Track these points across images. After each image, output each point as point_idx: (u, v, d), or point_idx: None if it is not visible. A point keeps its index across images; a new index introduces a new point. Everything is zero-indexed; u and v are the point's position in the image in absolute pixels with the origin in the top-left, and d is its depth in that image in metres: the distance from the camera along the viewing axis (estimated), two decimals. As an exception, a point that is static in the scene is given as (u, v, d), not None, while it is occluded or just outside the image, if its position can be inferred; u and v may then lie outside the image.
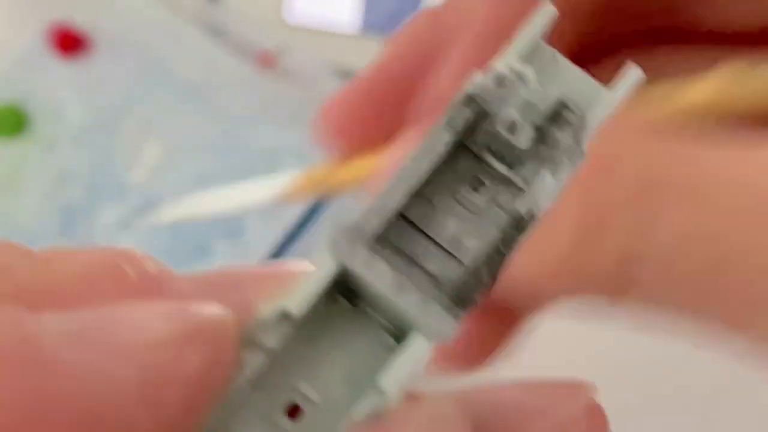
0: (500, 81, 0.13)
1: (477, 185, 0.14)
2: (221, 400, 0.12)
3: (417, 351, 0.13)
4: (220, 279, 0.13)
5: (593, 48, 0.20)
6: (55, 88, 0.47)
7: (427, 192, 0.13)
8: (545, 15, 0.14)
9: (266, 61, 0.48)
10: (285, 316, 0.13)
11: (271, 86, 0.47)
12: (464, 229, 0.14)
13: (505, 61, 0.13)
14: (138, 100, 0.47)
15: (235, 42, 0.48)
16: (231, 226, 0.45)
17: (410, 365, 0.13)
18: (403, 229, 0.13)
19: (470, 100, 0.13)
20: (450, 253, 0.13)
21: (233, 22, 0.48)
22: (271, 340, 0.13)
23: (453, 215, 0.14)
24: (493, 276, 0.13)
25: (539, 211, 0.13)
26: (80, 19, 0.48)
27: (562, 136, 0.13)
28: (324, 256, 0.13)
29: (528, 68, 0.13)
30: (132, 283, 0.12)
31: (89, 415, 0.11)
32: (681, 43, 0.21)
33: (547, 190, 0.13)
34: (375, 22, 0.52)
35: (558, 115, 0.13)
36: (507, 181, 0.14)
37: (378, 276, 0.13)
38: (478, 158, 0.14)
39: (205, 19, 0.49)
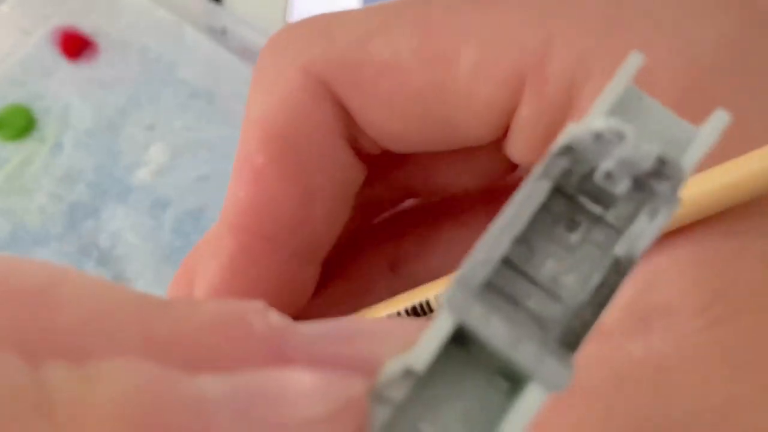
0: (598, 137, 0.13)
1: (572, 226, 0.14)
2: None
3: (534, 401, 0.13)
4: (344, 330, 0.13)
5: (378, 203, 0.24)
6: (62, 90, 0.48)
7: (526, 236, 0.14)
8: (634, 63, 0.14)
9: (269, 62, 0.48)
10: (409, 372, 0.13)
11: (274, 88, 0.47)
12: (562, 268, 0.14)
13: (601, 115, 0.13)
14: (143, 101, 0.48)
15: (239, 43, 0.48)
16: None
17: (528, 415, 0.13)
18: (505, 272, 0.14)
19: (567, 150, 0.13)
20: (550, 292, 0.14)
21: (236, 23, 0.49)
22: (397, 395, 0.13)
23: (550, 256, 0.14)
24: (597, 316, 0.13)
25: (636, 254, 0.13)
26: (86, 23, 0.49)
27: (659, 187, 0.13)
28: (443, 311, 0.13)
29: (626, 126, 0.13)
30: (260, 337, 0.12)
31: None
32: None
33: (643, 234, 0.13)
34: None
35: (656, 170, 0.13)
36: (601, 221, 0.14)
37: (493, 331, 0.13)
38: (573, 200, 0.14)
39: (208, 21, 0.49)
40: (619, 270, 0.13)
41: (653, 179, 0.13)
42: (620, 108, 0.14)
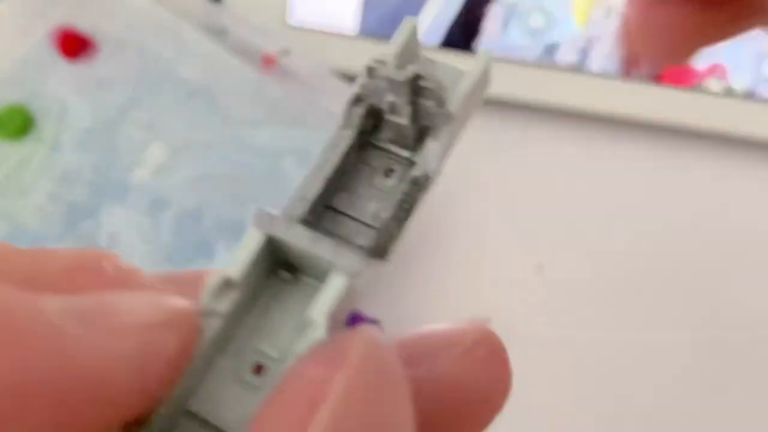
0: (369, 71, 0.16)
1: (389, 173, 0.17)
2: (192, 366, 0.15)
3: (335, 285, 0.15)
4: (175, 278, 0.16)
5: None
6: (60, 89, 0.48)
7: (349, 186, 0.17)
8: (410, 24, 0.17)
9: (268, 62, 0.48)
10: (227, 282, 0.16)
11: (273, 87, 0.47)
12: (382, 206, 0.17)
13: (369, 58, 0.16)
14: (141, 101, 0.48)
15: (237, 44, 0.48)
16: (231, 226, 0.46)
17: (332, 298, 0.15)
18: (334, 217, 0.17)
19: (357, 98, 0.17)
20: (372, 226, 0.17)
21: (235, 24, 0.49)
22: (222, 305, 0.16)
23: (372, 199, 0.17)
24: (401, 227, 0.16)
25: (431, 171, 0.16)
26: (84, 22, 0.49)
27: (428, 104, 0.16)
28: (252, 230, 0.16)
29: (386, 54, 0.16)
30: (110, 277, 0.15)
31: (91, 382, 0.13)
32: None
33: (432, 153, 0.16)
34: (374, 25, 0.53)
35: (419, 86, 0.16)
36: (410, 162, 0.17)
37: (296, 236, 0.16)
38: (387, 152, 0.17)
39: (207, 21, 0.49)
40: (417, 186, 0.16)
41: (422, 98, 0.16)
42: (405, 57, 0.16)
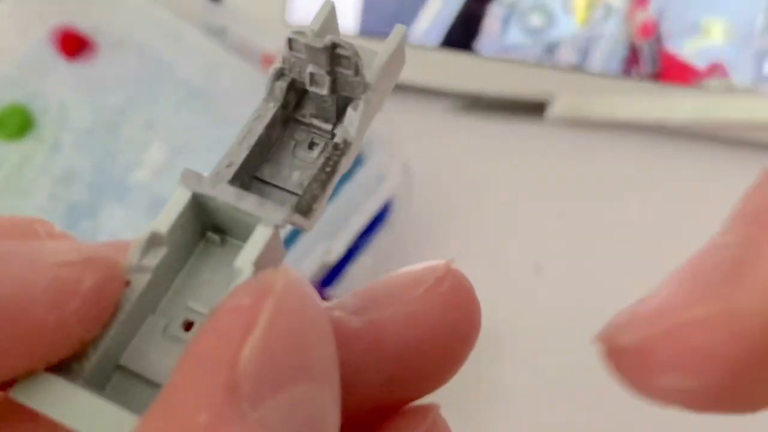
0: (290, 43, 0.17)
1: (312, 146, 0.18)
2: (120, 317, 0.16)
3: (260, 235, 0.16)
4: (112, 243, 0.17)
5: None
6: (60, 89, 0.48)
7: (275, 158, 0.18)
8: (329, 3, 0.18)
9: (268, 61, 0.48)
10: (155, 236, 0.16)
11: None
12: (306, 176, 0.18)
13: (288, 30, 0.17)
14: (141, 101, 0.48)
15: (237, 43, 0.48)
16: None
17: (257, 247, 0.16)
18: (261, 187, 0.18)
19: (280, 72, 0.18)
20: (297, 194, 0.18)
21: (235, 23, 0.49)
22: (150, 259, 0.16)
23: (296, 169, 0.18)
24: (324, 187, 0.17)
25: (350, 137, 0.17)
26: (84, 22, 0.49)
27: (347, 73, 0.17)
28: (179, 188, 0.17)
29: (306, 27, 0.17)
30: (41, 238, 0.16)
31: (11, 309, 0.14)
32: None
33: (351, 120, 0.17)
34: (373, 24, 0.52)
35: (337, 55, 0.17)
36: (332, 135, 0.18)
37: (222, 192, 0.17)
38: (311, 126, 0.18)
39: (207, 20, 0.49)
40: (338, 151, 0.18)
41: (340, 67, 0.17)
42: (323, 34, 0.17)
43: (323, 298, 0.17)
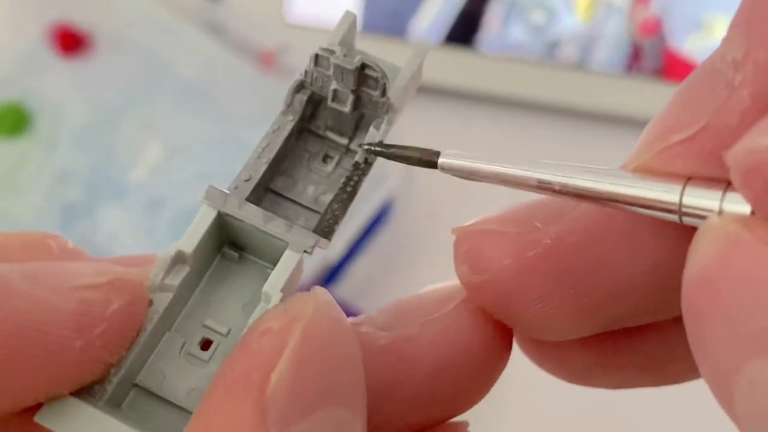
0: (316, 59, 0.17)
1: (327, 159, 0.18)
2: (142, 338, 0.16)
3: (289, 261, 0.16)
4: (126, 259, 0.17)
5: None
6: (56, 87, 0.47)
7: (289, 171, 0.18)
8: (350, 15, 0.18)
9: (266, 60, 0.48)
10: (180, 255, 0.16)
11: (271, 85, 0.47)
12: (321, 191, 0.18)
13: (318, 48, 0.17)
14: (138, 99, 0.47)
15: (236, 41, 0.48)
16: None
17: (286, 273, 0.16)
18: (274, 200, 0.18)
19: (300, 85, 0.18)
20: (312, 209, 0.18)
21: (233, 21, 0.48)
22: (173, 278, 0.16)
23: (311, 183, 0.18)
24: (346, 208, 0.17)
25: (372, 157, 0.17)
26: (81, 19, 0.48)
27: (372, 94, 0.17)
28: (204, 207, 0.17)
29: (335, 47, 0.17)
30: (55, 254, 0.16)
31: (37, 333, 0.14)
32: None
33: (374, 140, 0.17)
34: (374, 21, 0.52)
35: (364, 76, 0.17)
36: (349, 151, 0.18)
37: (249, 213, 0.17)
38: (325, 139, 0.18)
39: (205, 18, 0.49)
40: (358, 170, 0.17)
41: (366, 87, 0.17)
42: (343, 47, 0.17)
43: (349, 313, 0.17)
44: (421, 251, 0.49)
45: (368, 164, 0.17)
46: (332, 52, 0.17)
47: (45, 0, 0.48)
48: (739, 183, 0.13)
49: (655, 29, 0.52)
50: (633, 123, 0.52)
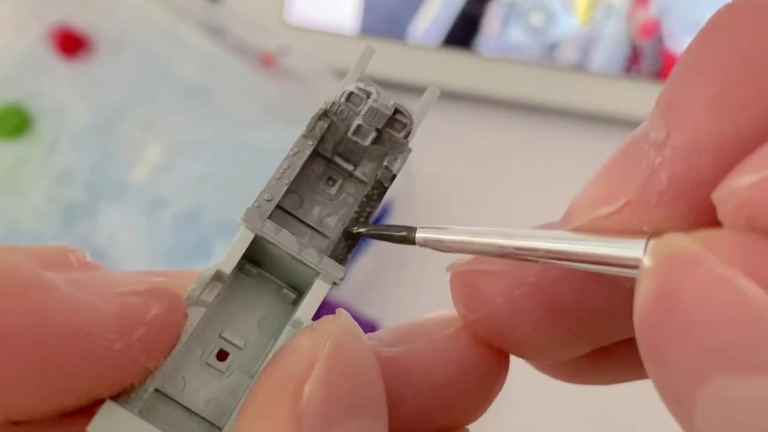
0: (350, 97, 0.18)
1: (331, 182, 0.19)
2: (177, 348, 0.17)
3: (320, 290, 0.17)
4: (150, 273, 0.18)
5: None
6: (57, 88, 0.47)
7: (296, 190, 0.19)
8: (370, 51, 0.19)
9: (266, 61, 0.48)
10: (219, 274, 0.17)
11: (272, 86, 0.47)
12: (325, 212, 0.19)
13: (352, 81, 0.18)
14: (139, 100, 0.47)
15: (236, 43, 0.48)
16: (229, 226, 0.45)
17: (317, 301, 0.17)
18: (282, 216, 0.18)
19: (324, 114, 0.18)
20: (318, 231, 0.19)
21: (233, 23, 0.48)
22: (209, 295, 0.17)
23: (316, 204, 0.19)
24: (357, 239, 0.18)
25: (383, 189, 0.18)
26: (81, 21, 0.48)
27: (396, 135, 0.19)
28: (244, 230, 0.18)
29: (371, 86, 0.18)
30: (75, 268, 0.17)
31: (82, 332, 0.15)
32: None
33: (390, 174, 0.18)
34: (374, 23, 0.52)
35: (393, 119, 0.18)
36: (352, 176, 0.19)
37: (284, 240, 0.18)
38: (330, 162, 0.19)
39: (205, 20, 0.49)
40: (371, 202, 0.18)
41: (392, 129, 0.18)
42: (365, 80, 0.18)
43: (367, 329, 0.18)
44: (421, 251, 0.49)
45: (381, 195, 0.19)
46: (369, 93, 0.18)
47: (45, 2, 0.48)
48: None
49: (653, 31, 0.52)
50: (632, 124, 0.52)
